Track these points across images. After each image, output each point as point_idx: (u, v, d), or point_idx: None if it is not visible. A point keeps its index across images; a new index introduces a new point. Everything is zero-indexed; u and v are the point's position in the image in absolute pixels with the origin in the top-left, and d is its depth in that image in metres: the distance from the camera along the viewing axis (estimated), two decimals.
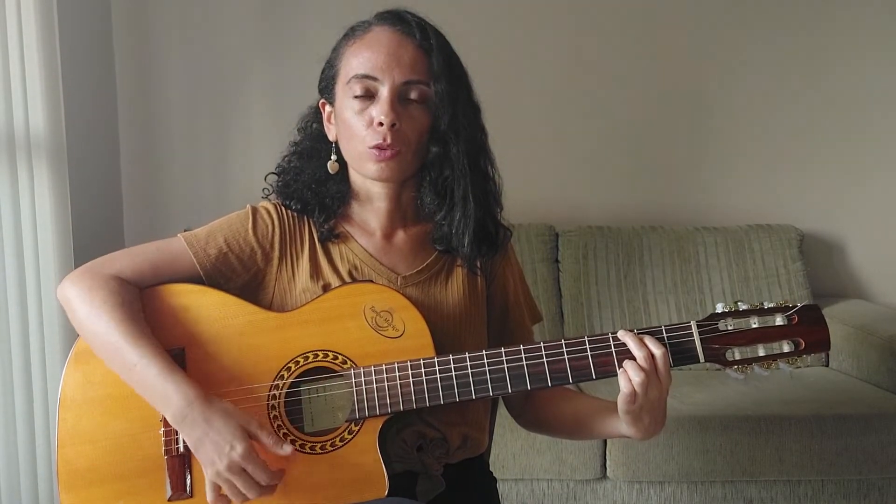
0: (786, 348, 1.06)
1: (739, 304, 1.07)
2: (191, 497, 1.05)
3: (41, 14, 1.87)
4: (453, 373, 1.05)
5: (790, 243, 2.56)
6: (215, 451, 0.98)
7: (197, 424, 0.99)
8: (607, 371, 1.04)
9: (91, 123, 2.46)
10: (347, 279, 1.14)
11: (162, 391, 1.01)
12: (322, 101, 1.18)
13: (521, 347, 1.05)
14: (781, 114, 2.74)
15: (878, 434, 1.95)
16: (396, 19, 1.11)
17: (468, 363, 1.05)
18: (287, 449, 1.00)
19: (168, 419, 1.02)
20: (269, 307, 1.14)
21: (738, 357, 1.05)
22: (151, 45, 2.67)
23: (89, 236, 2.30)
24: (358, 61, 1.10)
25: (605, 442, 1.96)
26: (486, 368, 1.05)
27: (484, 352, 1.05)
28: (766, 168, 2.75)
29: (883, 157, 2.74)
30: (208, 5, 2.66)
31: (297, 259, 1.15)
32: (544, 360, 1.05)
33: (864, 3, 2.70)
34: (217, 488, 1.00)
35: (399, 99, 1.09)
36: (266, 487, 0.99)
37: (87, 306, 1.07)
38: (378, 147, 1.08)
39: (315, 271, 1.14)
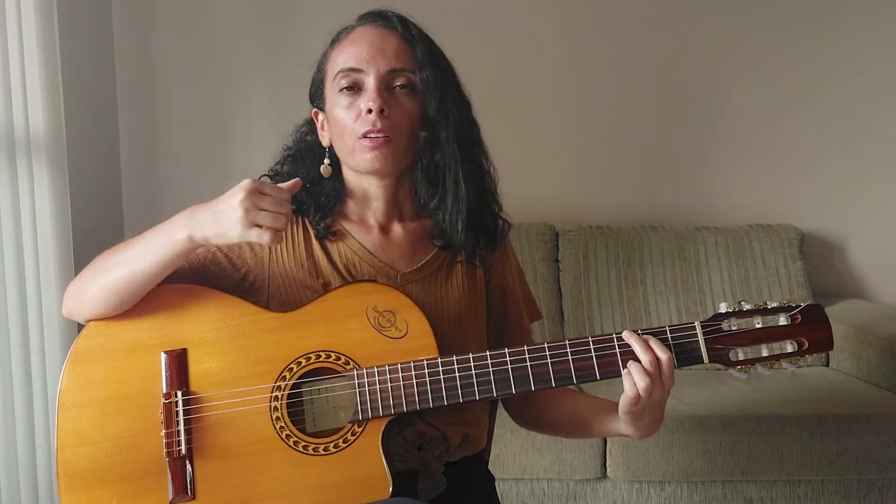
0: (789, 348, 1.06)
1: (743, 303, 1.07)
2: (193, 499, 1.04)
3: (41, 14, 1.86)
4: (457, 373, 1.04)
5: (790, 243, 2.56)
6: (230, 199, 0.98)
7: (204, 209, 1.00)
8: (611, 372, 1.04)
9: (91, 123, 2.46)
10: (346, 275, 1.14)
11: (165, 228, 1.03)
12: (315, 110, 1.19)
13: (525, 348, 1.05)
14: (782, 114, 2.74)
15: (878, 434, 1.95)
16: (377, 17, 1.13)
17: (472, 364, 1.04)
18: (290, 182, 1.03)
19: (182, 236, 1.01)
20: (266, 307, 1.13)
21: (741, 357, 1.05)
22: (152, 45, 2.67)
23: (89, 236, 2.30)
24: (342, 57, 1.12)
25: (604, 441, 1.96)
26: (490, 369, 1.04)
27: (487, 352, 1.05)
28: (766, 168, 2.75)
29: (883, 158, 2.74)
30: (209, 5, 2.66)
31: (290, 257, 1.15)
32: (548, 360, 1.04)
33: (865, 5, 2.70)
34: (258, 227, 0.99)
35: (386, 88, 1.10)
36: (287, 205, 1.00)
37: (88, 274, 1.08)
38: (369, 133, 1.08)
39: (314, 269, 1.14)
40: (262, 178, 1.21)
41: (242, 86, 2.70)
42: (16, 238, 1.81)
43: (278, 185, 1.03)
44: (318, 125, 1.19)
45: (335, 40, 1.16)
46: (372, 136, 1.08)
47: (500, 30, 2.69)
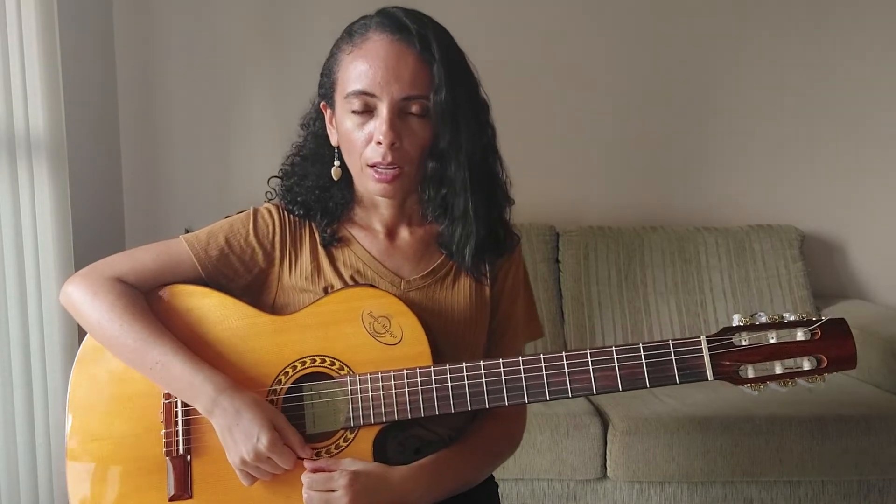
0: (806, 365, 0.98)
1: (757, 316, 1.00)
2: (191, 497, 1.06)
3: (41, 14, 1.86)
4: (449, 383, 1.03)
5: (791, 243, 2.56)
6: (243, 439, 1.01)
7: (227, 413, 1.02)
8: (608, 386, 1.00)
9: (91, 123, 2.46)
10: (349, 282, 1.13)
11: (189, 384, 1.04)
12: (323, 103, 1.16)
13: (521, 359, 1.02)
14: (782, 114, 2.74)
15: (878, 435, 1.94)
16: (395, 27, 1.05)
17: (465, 373, 1.03)
18: (308, 451, 1.03)
19: (199, 409, 1.04)
20: (271, 307, 1.14)
21: (751, 375, 0.99)
22: (152, 45, 2.67)
23: (89, 236, 2.30)
24: (356, 74, 1.06)
25: (605, 442, 1.96)
26: (483, 380, 1.02)
27: (481, 362, 1.03)
28: (766, 168, 2.75)
29: (883, 158, 2.74)
30: (209, 5, 2.66)
31: (298, 260, 1.15)
32: (543, 373, 1.01)
33: (865, 5, 2.70)
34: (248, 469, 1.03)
35: (399, 114, 1.05)
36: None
37: (97, 312, 1.08)
38: (378, 165, 1.06)
39: (317, 274, 1.14)
40: (272, 180, 1.20)
41: (243, 85, 2.70)
42: (16, 238, 1.81)
43: (296, 441, 1.03)
44: (327, 118, 1.15)
45: (347, 40, 1.09)
46: (381, 168, 1.06)
47: (500, 30, 2.69)
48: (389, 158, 1.05)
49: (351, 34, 1.09)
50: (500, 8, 2.70)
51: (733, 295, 2.46)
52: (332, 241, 1.15)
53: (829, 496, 1.99)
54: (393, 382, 1.04)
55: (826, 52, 2.72)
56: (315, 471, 1.02)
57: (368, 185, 1.09)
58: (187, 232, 1.17)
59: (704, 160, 2.76)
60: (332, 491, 1.00)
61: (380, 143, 1.04)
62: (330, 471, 1.02)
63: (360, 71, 1.05)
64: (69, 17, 2.18)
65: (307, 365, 1.07)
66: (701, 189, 2.76)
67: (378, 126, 1.05)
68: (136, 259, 1.13)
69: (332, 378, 1.06)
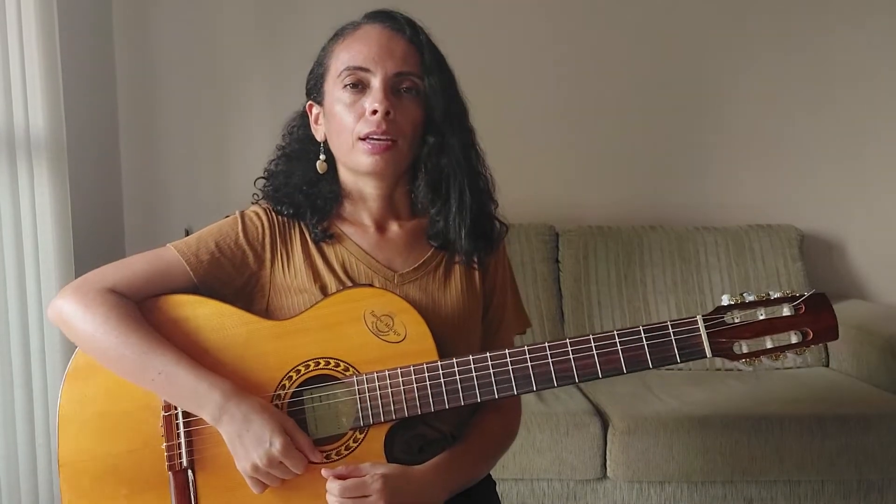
0: (793, 339, 1.04)
1: (745, 295, 1.04)
2: None
3: (41, 14, 1.87)
4: (457, 376, 1.03)
5: (790, 243, 2.56)
6: (254, 445, 1.00)
7: (235, 420, 1.01)
8: (613, 369, 1.02)
9: (91, 123, 2.46)
10: (343, 277, 1.13)
11: (194, 392, 1.03)
12: (309, 103, 1.18)
13: (526, 347, 1.03)
14: (781, 113, 2.74)
15: (878, 434, 1.94)
16: (386, 17, 1.12)
17: (472, 365, 1.03)
18: (318, 454, 1.03)
19: (206, 418, 1.03)
20: (266, 310, 1.13)
21: (745, 350, 1.03)
22: (152, 45, 2.67)
23: (89, 236, 2.30)
24: (349, 55, 1.10)
25: (605, 441, 1.96)
26: (491, 370, 1.03)
27: (488, 354, 1.04)
28: (766, 168, 2.75)
29: (883, 158, 2.74)
30: (208, 5, 2.66)
31: (290, 260, 1.15)
32: (549, 360, 1.03)
33: (866, 5, 2.70)
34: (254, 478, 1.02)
35: (392, 90, 1.09)
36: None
37: (91, 325, 1.05)
38: (371, 135, 1.07)
39: (311, 272, 1.13)
40: (258, 181, 1.21)
41: (242, 85, 2.70)
42: (16, 238, 1.81)
43: (307, 445, 1.02)
44: (312, 118, 1.18)
45: (339, 35, 1.14)
46: (374, 139, 1.07)
47: (499, 28, 2.69)
48: (384, 127, 1.07)
49: (342, 30, 1.15)
50: (499, 6, 2.69)
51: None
52: (324, 238, 1.15)
53: (829, 495, 1.99)
54: (401, 379, 1.04)
55: (826, 52, 2.72)
56: (338, 478, 1.01)
57: (360, 159, 1.09)
58: (188, 233, 1.17)
59: (704, 160, 2.76)
60: (366, 496, 0.99)
61: (374, 111, 1.07)
62: (351, 476, 1.01)
63: (353, 51, 1.10)
64: (69, 17, 2.18)
65: (311, 368, 1.06)
66: (700, 188, 2.76)
67: (373, 96, 1.08)
68: (127, 269, 1.11)
69: (338, 380, 1.05)
